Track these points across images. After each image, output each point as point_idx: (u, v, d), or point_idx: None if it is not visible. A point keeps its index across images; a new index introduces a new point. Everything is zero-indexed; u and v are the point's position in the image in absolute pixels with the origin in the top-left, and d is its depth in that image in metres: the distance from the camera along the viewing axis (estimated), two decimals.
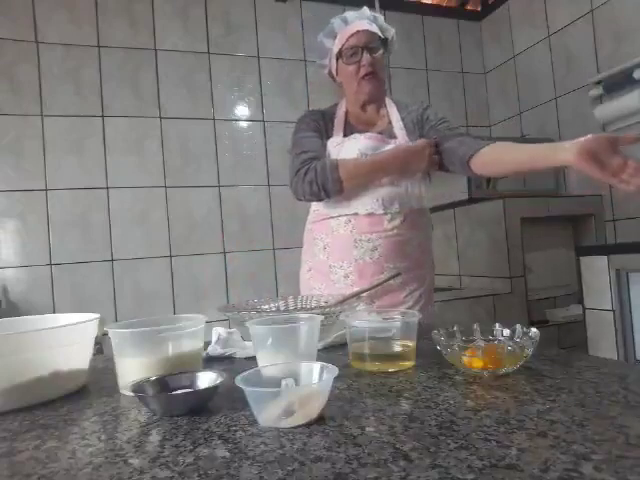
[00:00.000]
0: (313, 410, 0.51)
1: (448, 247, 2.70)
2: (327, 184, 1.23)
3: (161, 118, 2.47)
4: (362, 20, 1.30)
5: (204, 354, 0.83)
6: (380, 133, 1.33)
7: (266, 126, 2.65)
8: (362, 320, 0.77)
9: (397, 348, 0.73)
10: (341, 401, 0.57)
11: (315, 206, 1.39)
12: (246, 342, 0.90)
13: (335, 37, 1.32)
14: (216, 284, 2.51)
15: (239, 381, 0.53)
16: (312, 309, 0.97)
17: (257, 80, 2.66)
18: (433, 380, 0.64)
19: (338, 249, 1.30)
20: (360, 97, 1.33)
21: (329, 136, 1.35)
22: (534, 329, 0.67)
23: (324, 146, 1.32)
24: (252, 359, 0.78)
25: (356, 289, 1.15)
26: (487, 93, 3.21)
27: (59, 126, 2.29)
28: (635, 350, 1.77)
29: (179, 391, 0.60)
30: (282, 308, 1.07)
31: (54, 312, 2.14)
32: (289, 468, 0.40)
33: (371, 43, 1.28)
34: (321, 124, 1.36)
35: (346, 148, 1.30)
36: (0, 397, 0.62)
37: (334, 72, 1.38)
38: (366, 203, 1.26)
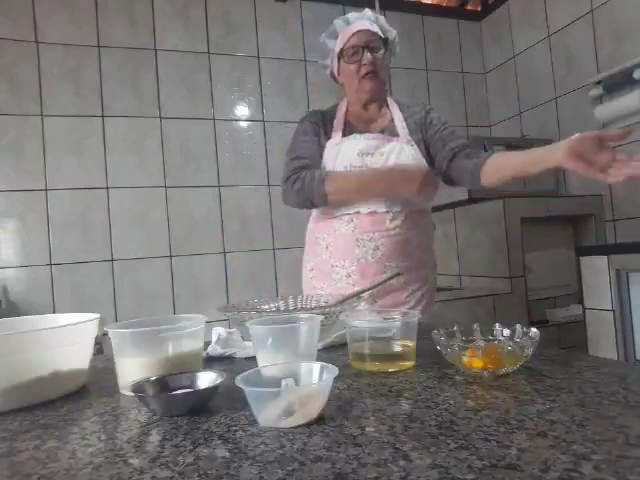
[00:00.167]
0: (313, 410, 0.51)
1: (448, 247, 2.70)
2: (313, 196, 1.24)
3: (161, 118, 2.47)
4: (363, 20, 1.31)
5: (204, 354, 0.83)
6: (382, 131, 1.33)
7: (266, 126, 2.66)
8: (362, 320, 0.77)
9: (397, 348, 0.73)
10: (341, 401, 0.57)
11: None
12: (246, 342, 0.90)
13: (337, 37, 1.33)
14: (216, 284, 2.51)
15: (239, 381, 0.53)
16: (312, 309, 0.97)
17: (257, 80, 2.66)
18: (433, 380, 0.64)
19: (340, 248, 1.30)
20: (361, 96, 1.33)
21: (329, 137, 1.35)
22: (534, 329, 0.67)
23: (320, 148, 1.33)
24: (252, 359, 0.78)
25: (356, 289, 1.15)
26: (487, 93, 3.21)
27: (59, 126, 2.29)
28: (635, 350, 1.77)
29: (179, 391, 0.60)
30: (282, 308, 1.07)
31: (54, 312, 2.14)
32: (289, 468, 0.40)
33: (372, 43, 1.28)
34: (320, 125, 1.36)
35: (345, 148, 1.30)
36: (0, 397, 0.62)
37: (336, 72, 1.38)
38: (368, 202, 1.26)
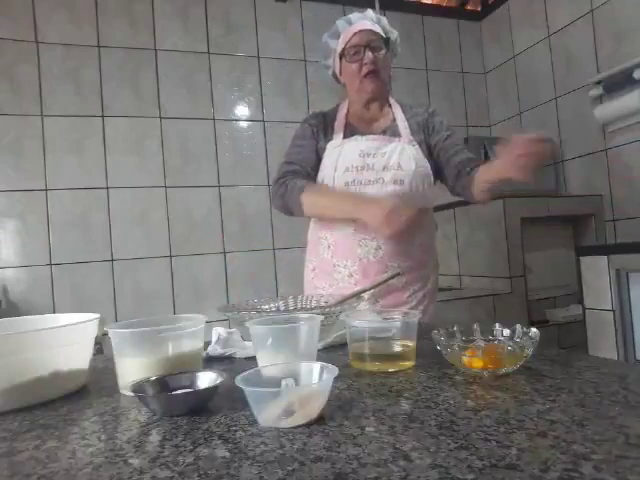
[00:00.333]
0: (313, 410, 0.51)
1: (448, 247, 2.70)
2: (291, 205, 1.25)
3: (161, 118, 2.47)
4: (365, 20, 1.31)
5: (204, 354, 0.83)
6: (383, 132, 1.33)
7: (266, 126, 2.66)
8: (362, 320, 0.77)
9: (397, 348, 0.73)
10: (341, 401, 0.57)
11: None
12: (246, 342, 0.90)
13: (339, 37, 1.34)
14: (216, 284, 2.51)
15: (239, 381, 0.53)
16: (312, 309, 0.97)
17: (257, 80, 2.66)
18: (433, 380, 0.64)
19: (342, 248, 1.31)
20: (363, 95, 1.34)
21: (329, 138, 1.35)
22: (534, 329, 0.67)
23: (317, 152, 1.34)
24: (252, 359, 0.78)
25: (356, 289, 1.15)
26: (487, 93, 3.21)
27: (59, 126, 2.29)
28: (635, 350, 1.77)
29: (179, 391, 0.60)
30: (282, 308, 1.07)
31: (54, 312, 2.14)
32: (289, 468, 0.40)
33: (374, 42, 1.29)
34: (320, 128, 1.36)
35: (346, 150, 1.30)
36: (0, 397, 0.62)
37: (337, 72, 1.38)
38: None
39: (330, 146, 1.33)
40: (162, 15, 2.50)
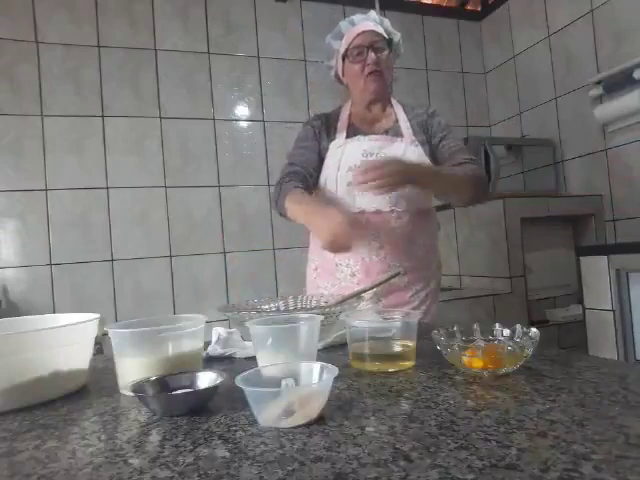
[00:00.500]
0: (313, 410, 0.51)
1: (448, 247, 2.70)
2: (281, 209, 1.24)
3: (161, 118, 2.47)
4: (368, 21, 1.32)
5: (204, 354, 0.83)
6: (386, 132, 1.33)
7: (266, 126, 2.66)
8: (362, 320, 0.77)
9: (397, 348, 0.73)
10: (341, 401, 0.57)
11: None
12: (246, 342, 0.90)
13: (342, 38, 1.34)
14: (216, 284, 2.51)
15: (239, 381, 0.53)
16: (312, 309, 0.97)
17: (257, 80, 2.66)
18: (433, 380, 0.64)
19: None
20: (365, 96, 1.34)
21: (332, 139, 1.35)
22: (534, 329, 0.67)
23: (320, 152, 1.34)
24: (252, 359, 0.78)
25: (356, 288, 1.15)
26: (487, 93, 3.21)
27: (59, 126, 2.29)
28: (635, 350, 1.77)
29: (179, 391, 0.60)
30: (282, 308, 1.07)
31: (54, 312, 2.14)
32: (289, 468, 0.40)
33: (376, 43, 1.29)
34: (323, 129, 1.37)
35: (349, 149, 1.30)
36: (0, 397, 0.62)
37: (340, 73, 1.39)
38: (373, 200, 1.26)
39: (333, 146, 1.33)
40: (162, 15, 2.50)
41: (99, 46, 2.38)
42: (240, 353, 0.87)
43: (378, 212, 1.27)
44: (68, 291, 2.26)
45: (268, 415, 0.50)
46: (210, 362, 0.84)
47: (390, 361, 0.71)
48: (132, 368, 0.68)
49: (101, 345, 1.41)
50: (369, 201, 1.26)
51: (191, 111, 2.52)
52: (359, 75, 1.31)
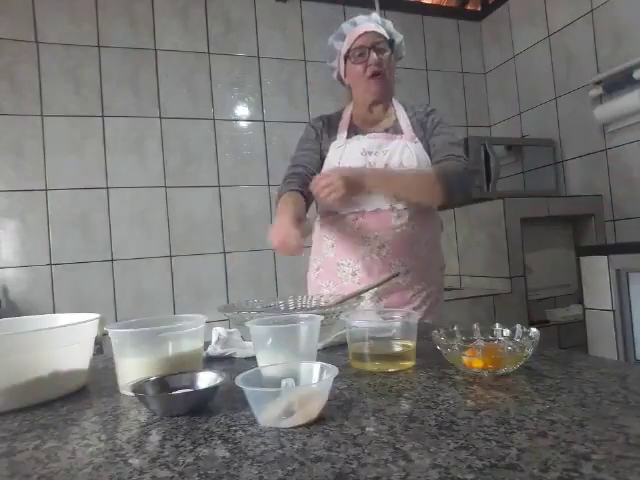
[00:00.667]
0: (313, 410, 0.51)
1: (448, 247, 2.70)
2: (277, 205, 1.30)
3: (161, 118, 2.47)
4: (370, 23, 1.32)
5: (204, 354, 0.83)
6: (386, 131, 1.34)
7: (266, 126, 2.65)
8: (362, 320, 0.77)
9: (397, 348, 0.73)
10: (341, 401, 0.57)
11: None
12: (246, 342, 0.90)
13: (344, 39, 1.34)
14: (216, 284, 2.51)
15: (239, 381, 0.53)
16: (312, 309, 0.97)
17: (257, 80, 2.66)
18: (433, 380, 0.64)
19: (346, 246, 1.31)
20: (367, 97, 1.34)
21: (333, 139, 1.36)
22: (534, 329, 0.67)
23: (321, 153, 1.36)
24: (252, 359, 0.78)
25: (356, 288, 1.15)
26: (487, 93, 3.21)
27: (59, 126, 2.29)
28: (635, 350, 1.77)
29: (179, 391, 0.60)
30: (282, 308, 1.07)
31: (54, 312, 2.14)
32: (289, 468, 0.40)
33: (378, 44, 1.29)
34: (324, 129, 1.38)
35: (349, 149, 1.31)
36: (0, 397, 0.62)
37: (342, 74, 1.39)
38: (373, 200, 1.26)
39: (333, 146, 1.34)
40: (162, 15, 2.50)
41: (99, 46, 2.38)
42: (240, 353, 0.87)
43: (378, 211, 1.27)
44: (68, 291, 2.26)
45: (268, 415, 0.50)
46: (210, 362, 0.83)
47: (390, 361, 0.71)
48: (132, 368, 0.68)
49: (101, 345, 1.41)
50: (369, 200, 1.27)
51: (191, 111, 2.52)
52: (361, 76, 1.31)
